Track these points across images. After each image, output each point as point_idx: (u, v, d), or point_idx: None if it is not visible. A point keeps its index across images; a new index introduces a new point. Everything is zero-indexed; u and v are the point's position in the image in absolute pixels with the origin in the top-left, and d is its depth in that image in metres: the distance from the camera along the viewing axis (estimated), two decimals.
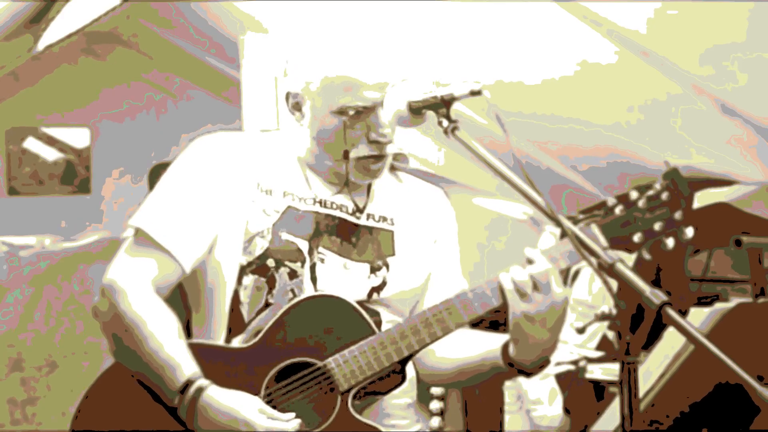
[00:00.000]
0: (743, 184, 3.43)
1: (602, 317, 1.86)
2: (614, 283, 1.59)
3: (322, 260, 2.01)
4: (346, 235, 2.04)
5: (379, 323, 2.02)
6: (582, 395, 3.48)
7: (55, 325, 4.09)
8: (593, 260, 1.61)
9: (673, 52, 3.00)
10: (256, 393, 1.89)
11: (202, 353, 1.91)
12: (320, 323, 1.93)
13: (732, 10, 2.66)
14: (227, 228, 2.00)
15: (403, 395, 2.12)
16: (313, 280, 1.99)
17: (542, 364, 1.94)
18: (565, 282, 1.92)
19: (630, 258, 1.89)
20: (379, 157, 2.01)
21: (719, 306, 2.38)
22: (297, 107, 2.05)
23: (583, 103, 3.50)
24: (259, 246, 1.98)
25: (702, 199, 3.44)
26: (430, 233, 2.15)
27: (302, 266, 1.99)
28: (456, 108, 1.81)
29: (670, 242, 1.76)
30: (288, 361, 1.92)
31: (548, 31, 3.16)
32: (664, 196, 1.79)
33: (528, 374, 1.96)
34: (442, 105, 1.81)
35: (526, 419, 3.72)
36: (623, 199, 1.87)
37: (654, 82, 3.16)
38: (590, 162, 3.96)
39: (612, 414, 2.40)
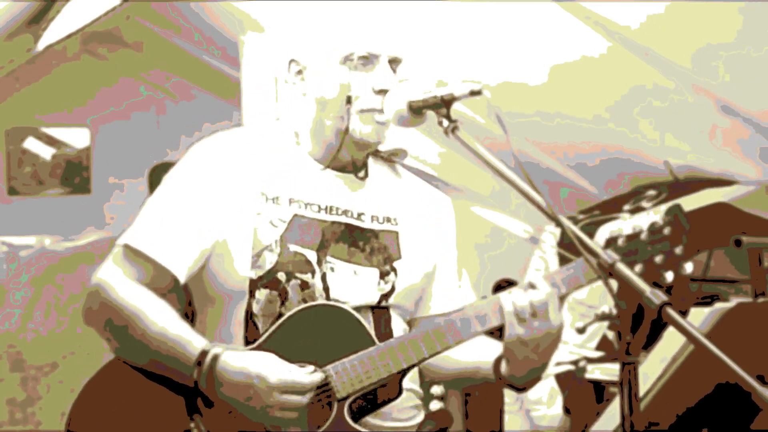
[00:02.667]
0: (743, 184, 3.43)
1: (602, 317, 1.86)
2: (614, 283, 1.59)
3: (332, 269, 2.00)
4: (353, 240, 2.04)
5: (388, 320, 2.04)
6: (582, 395, 3.49)
7: (55, 325, 4.09)
8: (593, 260, 1.61)
9: (674, 52, 3.00)
10: None
11: None
12: (322, 331, 1.93)
13: (731, 9, 2.66)
14: (233, 238, 1.98)
15: (410, 400, 2.12)
16: (326, 289, 1.99)
17: (532, 380, 1.97)
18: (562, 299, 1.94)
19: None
20: (383, 111, 1.97)
21: (719, 306, 2.39)
22: (299, 75, 2.05)
23: (583, 103, 3.51)
24: (269, 260, 1.97)
25: (702, 199, 3.44)
26: (434, 231, 2.15)
27: (313, 277, 1.98)
28: (456, 108, 1.81)
29: (669, 276, 1.78)
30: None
31: (548, 31, 3.17)
32: (666, 230, 1.80)
33: (518, 389, 2.00)
34: (442, 105, 1.81)
35: (526, 419, 3.73)
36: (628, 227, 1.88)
37: (654, 82, 3.16)
38: (590, 161, 3.96)
39: (612, 414, 2.40)
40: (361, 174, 2.09)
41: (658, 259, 1.79)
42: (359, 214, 2.06)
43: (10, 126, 6.85)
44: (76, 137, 6.96)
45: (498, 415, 3.86)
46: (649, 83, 3.18)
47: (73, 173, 6.98)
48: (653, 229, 1.81)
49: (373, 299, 2.02)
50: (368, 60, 1.98)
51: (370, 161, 2.14)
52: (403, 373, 1.95)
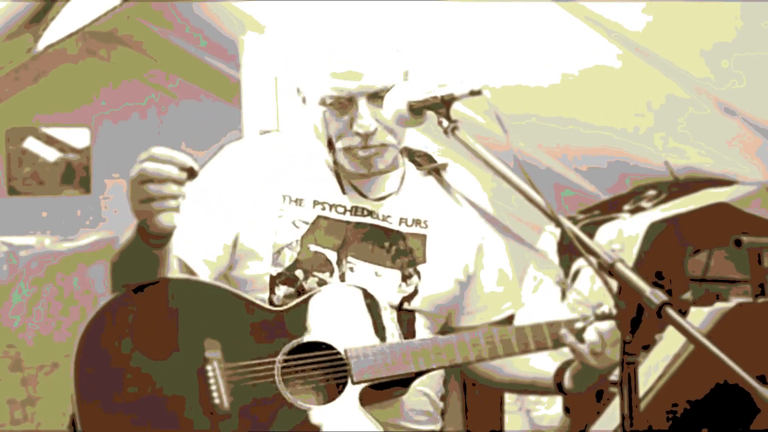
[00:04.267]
0: (743, 184, 3.43)
1: (602, 317, 1.87)
2: (614, 283, 1.59)
3: (351, 269, 2.02)
4: (378, 241, 2.06)
5: (411, 322, 2.05)
6: (582, 395, 3.48)
7: (55, 325, 4.09)
8: (593, 260, 1.61)
9: (674, 52, 3.00)
10: (273, 356, 1.90)
11: (231, 299, 1.91)
12: (344, 312, 1.95)
13: (730, 10, 2.66)
14: (254, 237, 2.02)
15: (424, 396, 2.13)
16: None
17: (595, 385, 2.01)
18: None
19: None
20: (367, 147, 2.00)
21: (719, 306, 2.38)
22: (305, 102, 2.08)
23: (583, 103, 3.50)
24: (288, 257, 2.00)
25: (702, 199, 3.44)
26: (472, 240, 2.16)
27: (331, 275, 2.01)
28: (456, 108, 1.81)
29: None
30: (311, 338, 1.93)
31: (548, 31, 3.16)
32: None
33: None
34: (442, 105, 1.81)
35: (526, 419, 3.73)
36: None
37: (654, 82, 3.16)
38: (590, 162, 3.96)
39: (612, 414, 2.40)
40: (395, 178, 2.13)
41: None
42: (385, 216, 2.07)
43: (10, 126, 6.85)
44: (76, 137, 6.96)
45: (498, 415, 3.86)
46: (649, 84, 3.18)
47: (73, 173, 6.97)
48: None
49: (393, 301, 2.03)
50: (342, 104, 2.00)
51: (412, 169, 2.16)
52: (419, 373, 1.96)
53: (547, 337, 2.01)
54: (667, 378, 2.32)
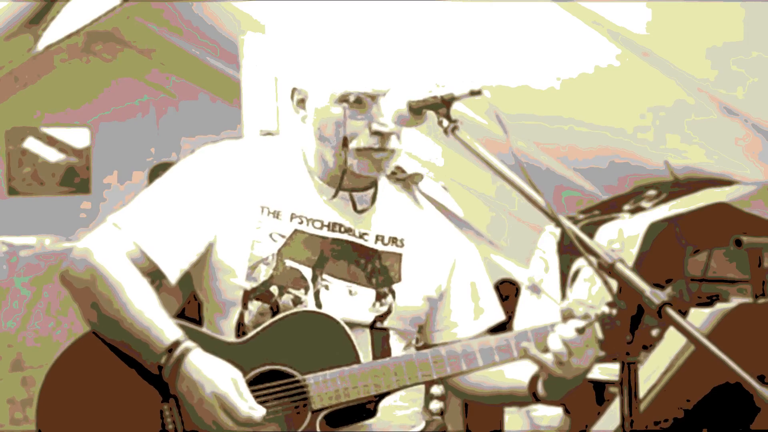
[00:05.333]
0: (743, 184, 3.42)
1: (602, 317, 1.86)
2: (614, 283, 1.59)
3: (326, 287, 2.00)
4: (354, 259, 2.03)
5: (386, 339, 2.03)
6: (582, 395, 3.48)
7: (55, 325, 4.09)
8: (593, 260, 1.61)
9: (674, 52, 3.00)
10: None
11: (191, 336, 1.89)
12: (308, 338, 1.93)
13: (731, 11, 2.66)
14: (230, 248, 1.99)
15: (413, 404, 2.11)
16: (318, 306, 1.99)
17: (569, 393, 1.98)
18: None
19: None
20: (383, 149, 1.98)
21: (719, 306, 2.38)
22: (301, 104, 2.04)
23: (583, 103, 3.50)
24: (263, 272, 1.97)
25: (702, 199, 3.44)
26: (446, 257, 2.13)
27: (306, 293, 1.98)
28: (456, 108, 1.81)
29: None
30: (269, 367, 1.91)
31: (548, 31, 3.16)
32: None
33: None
34: (442, 105, 1.81)
35: (526, 419, 3.72)
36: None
37: (654, 83, 3.16)
38: (590, 162, 3.95)
39: (612, 414, 2.40)
40: (366, 195, 2.09)
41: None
42: (362, 234, 2.05)
43: (10, 126, 6.85)
44: (76, 137, 6.96)
45: (498, 415, 3.86)
46: (649, 84, 3.18)
47: (73, 173, 6.98)
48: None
49: (367, 320, 2.02)
50: (363, 102, 1.97)
51: (385, 183, 2.14)
52: (381, 396, 1.95)
53: (512, 348, 1.96)
54: (668, 378, 2.32)
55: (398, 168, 2.15)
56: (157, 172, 6.79)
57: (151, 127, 6.91)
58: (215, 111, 6.52)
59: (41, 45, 5.75)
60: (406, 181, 2.16)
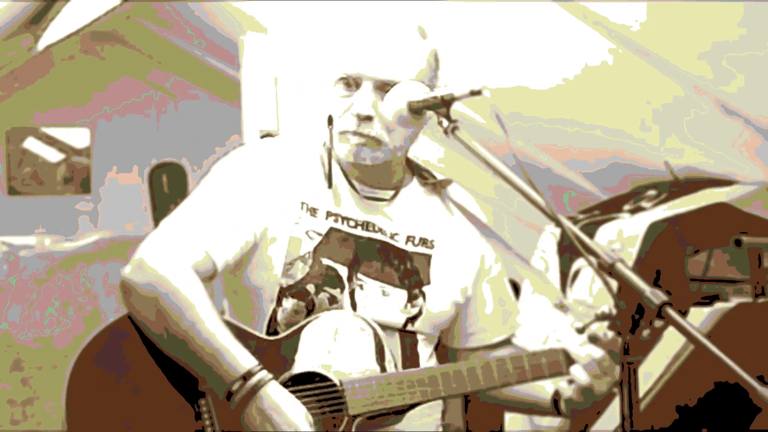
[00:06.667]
0: (743, 184, 3.43)
1: (602, 317, 1.86)
2: (614, 283, 1.59)
3: (361, 286, 1.99)
4: (386, 259, 2.03)
5: (414, 344, 2.04)
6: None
7: (55, 325, 4.09)
8: (593, 260, 1.61)
9: (674, 52, 3.00)
10: None
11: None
12: (339, 339, 1.92)
13: (731, 10, 2.66)
14: (270, 243, 1.97)
15: (433, 412, 2.12)
16: (353, 306, 1.98)
17: (597, 405, 2.02)
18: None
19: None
20: (359, 133, 1.97)
21: (719, 306, 2.39)
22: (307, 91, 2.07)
23: (583, 103, 3.50)
24: (300, 270, 1.96)
25: (702, 199, 3.44)
26: (471, 262, 2.14)
27: (341, 292, 1.97)
28: (456, 108, 1.81)
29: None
30: (307, 370, 1.90)
31: (548, 31, 3.16)
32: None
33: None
34: (442, 105, 1.81)
35: (526, 419, 3.72)
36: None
37: (654, 82, 3.16)
38: (590, 162, 3.96)
39: (612, 414, 2.40)
40: (391, 195, 2.09)
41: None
42: (393, 234, 2.05)
43: (10, 126, 6.85)
44: (76, 137, 6.96)
45: (498, 415, 3.86)
46: (649, 84, 3.18)
47: (73, 173, 6.98)
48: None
49: (399, 321, 2.02)
50: (350, 84, 1.98)
51: (416, 185, 2.13)
52: (415, 404, 1.95)
53: (544, 368, 2.03)
54: (667, 378, 2.32)
55: (428, 173, 2.15)
56: (156, 172, 6.79)
57: (151, 127, 6.91)
58: (215, 111, 6.52)
59: (41, 45, 5.75)
60: (436, 185, 2.16)
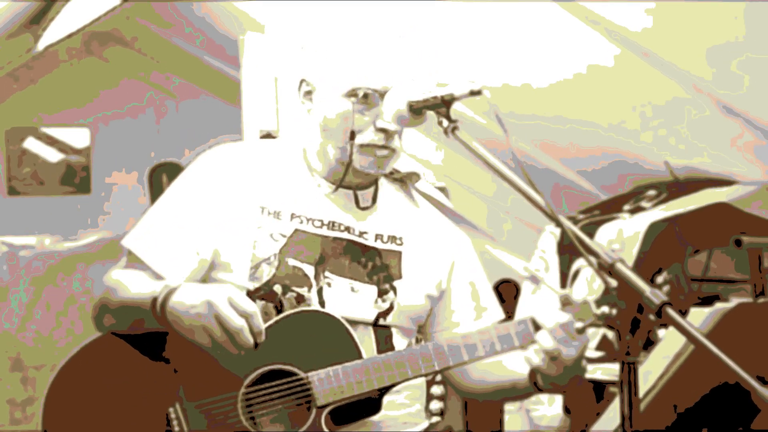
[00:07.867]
0: (743, 184, 3.43)
1: (602, 317, 1.86)
2: (614, 283, 1.59)
3: (328, 284, 2.01)
4: (355, 257, 2.04)
5: (389, 338, 2.04)
6: (582, 395, 3.48)
7: (55, 325, 4.09)
8: (593, 260, 1.61)
9: (674, 52, 3.00)
10: (236, 388, 1.90)
11: None
12: (310, 337, 1.93)
13: (731, 10, 2.66)
14: (232, 250, 2.00)
15: (415, 402, 2.12)
16: (321, 304, 2.00)
17: (574, 379, 1.95)
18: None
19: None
20: (386, 147, 1.99)
21: (719, 306, 2.39)
22: (308, 96, 2.06)
23: (584, 103, 3.51)
24: (266, 272, 1.98)
25: (702, 199, 3.44)
26: (445, 255, 2.14)
27: (309, 291, 1.99)
28: (456, 108, 1.81)
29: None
30: (272, 366, 1.91)
31: (548, 31, 3.17)
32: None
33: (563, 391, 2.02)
34: (442, 105, 1.81)
35: (526, 419, 3.73)
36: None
37: (654, 82, 3.16)
38: (591, 162, 3.96)
39: (612, 414, 2.40)
40: (368, 194, 2.10)
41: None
42: (362, 233, 2.07)
43: (10, 126, 6.85)
44: (76, 137, 6.96)
45: (498, 415, 3.86)
46: (649, 84, 3.18)
47: (73, 173, 6.98)
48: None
49: (370, 317, 2.03)
50: (371, 98, 1.98)
51: (384, 182, 2.15)
52: (385, 390, 1.95)
53: (514, 338, 1.94)
54: (667, 378, 2.32)
55: (394, 168, 2.15)
56: (156, 172, 6.79)
57: (151, 127, 6.90)
58: (215, 111, 6.52)
59: (41, 45, 5.76)
60: (403, 180, 2.17)
